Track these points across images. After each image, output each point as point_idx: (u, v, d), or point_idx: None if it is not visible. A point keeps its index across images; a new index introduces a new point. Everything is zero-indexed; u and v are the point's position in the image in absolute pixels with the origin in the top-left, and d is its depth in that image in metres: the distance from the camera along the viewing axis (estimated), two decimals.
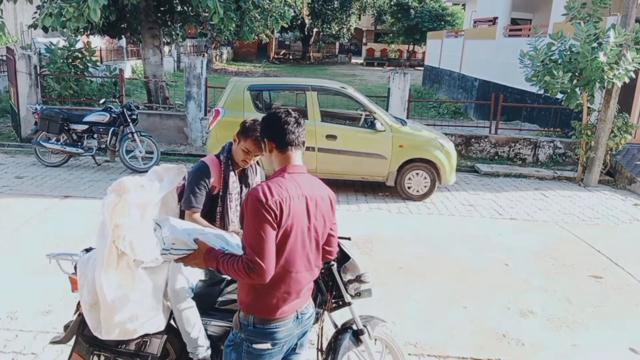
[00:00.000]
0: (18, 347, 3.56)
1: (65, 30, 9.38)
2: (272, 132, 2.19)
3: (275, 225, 2.02)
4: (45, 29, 9.58)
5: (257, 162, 3.14)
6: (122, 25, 11.80)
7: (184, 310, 2.63)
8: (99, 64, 12.87)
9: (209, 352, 2.69)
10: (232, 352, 2.23)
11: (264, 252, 2.00)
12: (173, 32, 12.99)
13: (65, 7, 8.59)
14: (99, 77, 12.37)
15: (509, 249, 5.89)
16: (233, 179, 2.93)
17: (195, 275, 2.76)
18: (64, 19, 8.76)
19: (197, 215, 2.85)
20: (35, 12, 10.43)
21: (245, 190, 3.02)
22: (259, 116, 2.32)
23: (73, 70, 11.53)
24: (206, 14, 9.86)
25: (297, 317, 2.22)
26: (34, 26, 10.00)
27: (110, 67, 13.03)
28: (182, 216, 2.82)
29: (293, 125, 2.19)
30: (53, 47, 11.44)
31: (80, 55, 11.73)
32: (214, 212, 2.93)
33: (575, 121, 9.16)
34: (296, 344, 2.31)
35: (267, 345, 2.16)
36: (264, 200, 2.00)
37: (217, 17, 9.77)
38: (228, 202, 2.91)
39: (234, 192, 2.94)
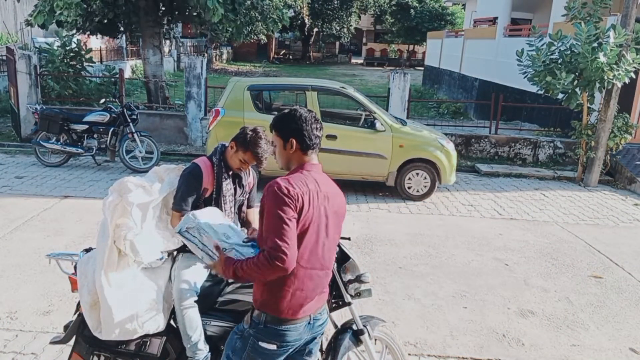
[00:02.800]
0: (18, 347, 3.56)
1: (60, 29, 9.39)
2: (301, 133, 2.16)
3: (297, 214, 2.02)
4: (43, 27, 9.59)
5: None
6: (121, 22, 11.77)
7: (187, 310, 2.62)
8: (95, 61, 12.81)
9: (209, 355, 2.69)
10: (239, 340, 2.23)
11: (286, 237, 1.98)
12: (171, 31, 12.98)
13: (56, 1, 8.59)
14: (98, 77, 12.36)
15: (508, 249, 5.89)
16: (226, 182, 2.92)
17: (200, 277, 2.77)
18: (55, 13, 8.77)
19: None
20: (33, 11, 10.44)
21: (239, 191, 2.99)
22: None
23: (71, 70, 11.50)
24: (210, 17, 9.84)
25: (310, 322, 2.21)
26: (29, 24, 10.00)
27: (110, 67, 13.00)
28: None
29: (320, 128, 2.21)
30: (49, 46, 11.41)
31: (74, 54, 11.67)
32: None
33: (575, 121, 9.16)
34: (304, 349, 2.28)
35: (273, 347, 2.16)
36: (286, 190, 2.01)
37: (216, 17, 9.76)
38: (222, 204, 2.91)
39: (227, 195, 2.92)
